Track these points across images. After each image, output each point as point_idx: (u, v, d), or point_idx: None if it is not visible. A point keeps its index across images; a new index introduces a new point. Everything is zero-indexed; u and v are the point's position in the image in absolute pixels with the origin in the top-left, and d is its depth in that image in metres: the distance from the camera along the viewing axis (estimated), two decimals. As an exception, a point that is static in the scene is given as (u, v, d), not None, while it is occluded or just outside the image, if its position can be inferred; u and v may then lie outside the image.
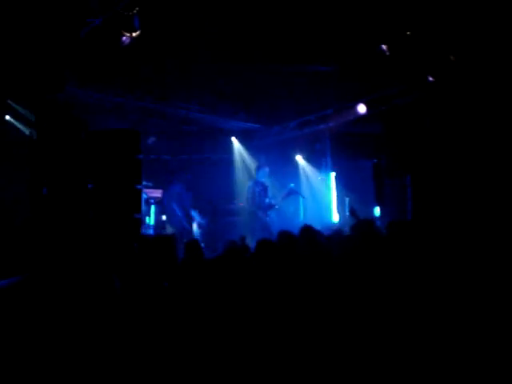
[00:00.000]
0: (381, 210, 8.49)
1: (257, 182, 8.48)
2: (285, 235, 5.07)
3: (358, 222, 5.52)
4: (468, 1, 6.28)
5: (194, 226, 8.49)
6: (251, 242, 7.83)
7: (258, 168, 8.65)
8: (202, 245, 6.77)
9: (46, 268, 3.77)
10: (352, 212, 6.52)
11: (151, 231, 7.74)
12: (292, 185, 9.03)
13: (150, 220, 7.92)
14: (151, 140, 9.63)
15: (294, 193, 9.04)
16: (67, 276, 3.71)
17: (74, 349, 2.93)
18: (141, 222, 5.64)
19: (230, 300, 3.32)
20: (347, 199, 8.27)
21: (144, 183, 6.80)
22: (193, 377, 2.75)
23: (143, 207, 6.57)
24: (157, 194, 8.37)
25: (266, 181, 8.71)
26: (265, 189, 8.57)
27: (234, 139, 11.14)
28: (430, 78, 7.81)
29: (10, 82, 6.35)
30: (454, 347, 2.67)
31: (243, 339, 2.93)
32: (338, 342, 2.85)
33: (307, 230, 4.83)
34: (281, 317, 3.08)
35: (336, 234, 5.31)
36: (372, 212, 8.39)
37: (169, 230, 8.22)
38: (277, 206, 8.69)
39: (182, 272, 4.25)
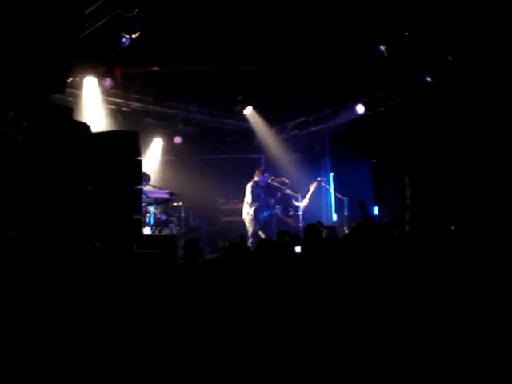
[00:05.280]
0: (379, 209, 8.54)
1: (257, 183, 8.58)
2: (284, 235, 5.13)
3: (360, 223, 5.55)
4: (465, 2, 6.31)
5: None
6: (251, 242, 7.93)
7: (262, 172, 8.73)
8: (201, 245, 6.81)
9: (46, 270, 3.81)
10: (361, 206, 6.39)
11: (150, 231, 7.80)
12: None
13: (150, 220, 7.96)
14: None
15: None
16: (67, 276, 3.76)
17: (72, 349, 2.98)
18: (141, 222, 5.68)
19: (229, 299, 3.35)
20: (346, 199, 8.31)
21: (144, 184, 6.85)
22: (192, 375, 2.79)
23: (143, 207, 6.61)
24: (157, 194, 8.42)
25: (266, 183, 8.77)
26: (264, 190, 8.68)
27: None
28: (428, 79, 7.84)
29: (10, 82, 6.38)
30: (450, 347, 2.70)
31: (242, 339, 2.96)
32: (338, 342, 2.88)
33: (312, 228, 4.88)
34: (280, 316, 3.11)
35: (329, 233, 5.34)
36: (371, 212, 8.42)
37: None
38: (277, 207, 8.72)
39: (181, 271, 4.30)
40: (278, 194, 8.85)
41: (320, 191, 9.75)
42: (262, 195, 8.62)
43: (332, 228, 5.76)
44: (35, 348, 3.01)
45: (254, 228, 8.31)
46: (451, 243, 3.95)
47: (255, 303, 3.26)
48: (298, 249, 4.72)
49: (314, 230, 4.86)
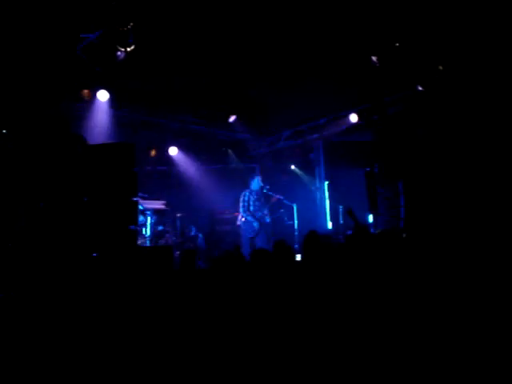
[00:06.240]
0: (374, 217, 8.58)
1: (251, 191, 8.57)
2: (280, 244, 5.15)
3: (354, 231, 5.57)
4: (454, 12, 6.43)
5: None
6: (246, 251, 7.94)
7: (252, 177, 8.74)
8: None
9: (41, 281, 3.83)
10: (349, 212, 6.38)
11: (147, 242, 7.80)
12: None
13: (147, 231, 7.96)
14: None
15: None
16: (63, 288, 3.78)
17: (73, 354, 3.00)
18: (137, 233, 5.71)
19: (225, 309, 3.37)
20: (341, 207, 8.35)
21: (140, 194, 6.88)
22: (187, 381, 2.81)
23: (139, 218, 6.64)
24: (153, 205, 8.43)
25: (261, 189, 8.75)
26: (259, 198, 8.66)
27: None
28: (420, 88, 7.95)
29: (8, 96, 6.42)
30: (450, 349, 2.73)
31: (237, 348, 2.99)
32: (334, 348, 2.90)
33: (312, 237, 4.89)
34: (276, 325, 3.13)
35: (325, 241, 5.37)
36: (365, 220, 8.47)
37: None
38: (267, 218, 8.72)
39: (176, 281, 4.32)
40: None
41: (315, 200, 9.82)
42: (258, 203, 8.57)
43: (328, 237, 5.78)
44: (31, 352, 3.04)
45: (245, 237, 8.32)
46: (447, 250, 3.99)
47: (247, 312, 3.28)
48: (298, 257, 4.74)
49: (312, 239, 4.88)
